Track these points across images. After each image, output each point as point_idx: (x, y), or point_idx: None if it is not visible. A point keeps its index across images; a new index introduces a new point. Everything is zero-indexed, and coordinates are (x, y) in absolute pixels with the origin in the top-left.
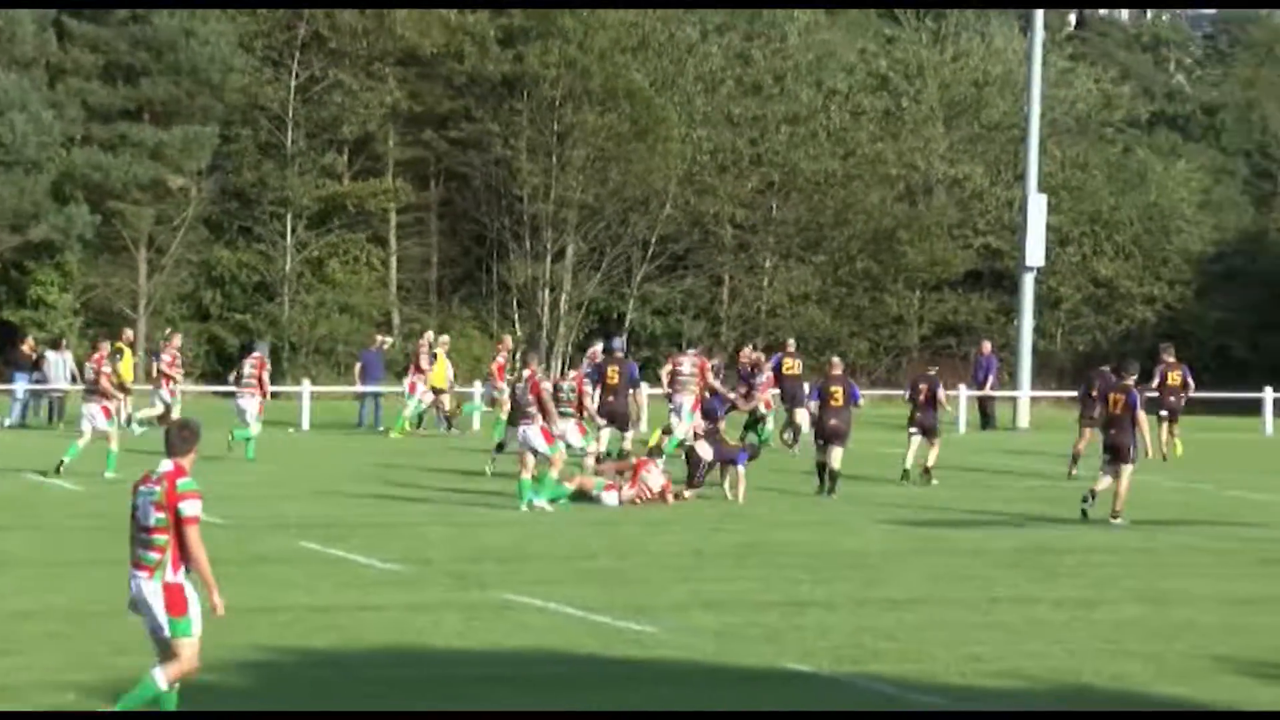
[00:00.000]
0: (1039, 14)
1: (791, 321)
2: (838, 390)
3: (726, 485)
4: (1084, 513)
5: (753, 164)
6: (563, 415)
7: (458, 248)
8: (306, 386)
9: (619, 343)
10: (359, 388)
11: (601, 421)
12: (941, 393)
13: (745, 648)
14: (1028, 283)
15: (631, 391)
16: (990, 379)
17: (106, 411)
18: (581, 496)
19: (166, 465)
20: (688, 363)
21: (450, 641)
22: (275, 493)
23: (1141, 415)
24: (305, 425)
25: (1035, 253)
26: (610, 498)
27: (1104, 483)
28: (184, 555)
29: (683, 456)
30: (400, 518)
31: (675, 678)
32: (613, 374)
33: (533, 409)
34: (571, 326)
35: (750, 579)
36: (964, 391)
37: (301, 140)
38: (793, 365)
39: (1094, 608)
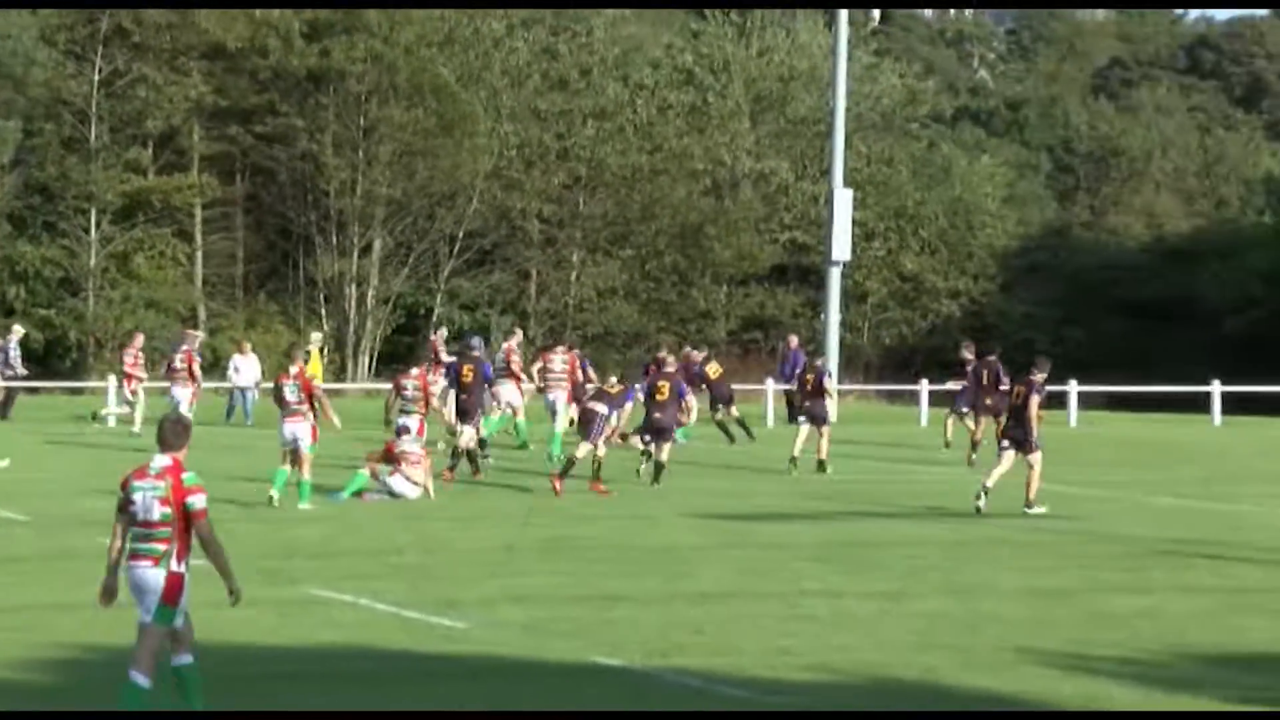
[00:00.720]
0: (843, 10)
1: (599, 316)
2: (665, 385)
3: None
4: (978, 509)
5: (559, 159)
6: (407, 413)
7: (264, 243)
8: (113, 382)
9: (477, 341)
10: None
11: (454, 421)
12: (828, 381)
13: (554, 642)
14: (834, 277)
15: (488, 388)
16: (798, 373)
17: None
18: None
19: (164, 460)
20: (559, 359)
21: (261, 638)
22: (78, 488)
23: (1034, 407)
24: (111, 421)
25: (841, 247)
26: (402, 485)
27: (996, 475)
28: (186, 547)
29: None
30: (216, 513)
31: (485, 673)
32: (467, 372)
33: (303, 406)
34: (379, 321)
35: (559, 573)
36: (771, 386)
37: (106, 135)
38: (719, 369)
39: (902, 600)
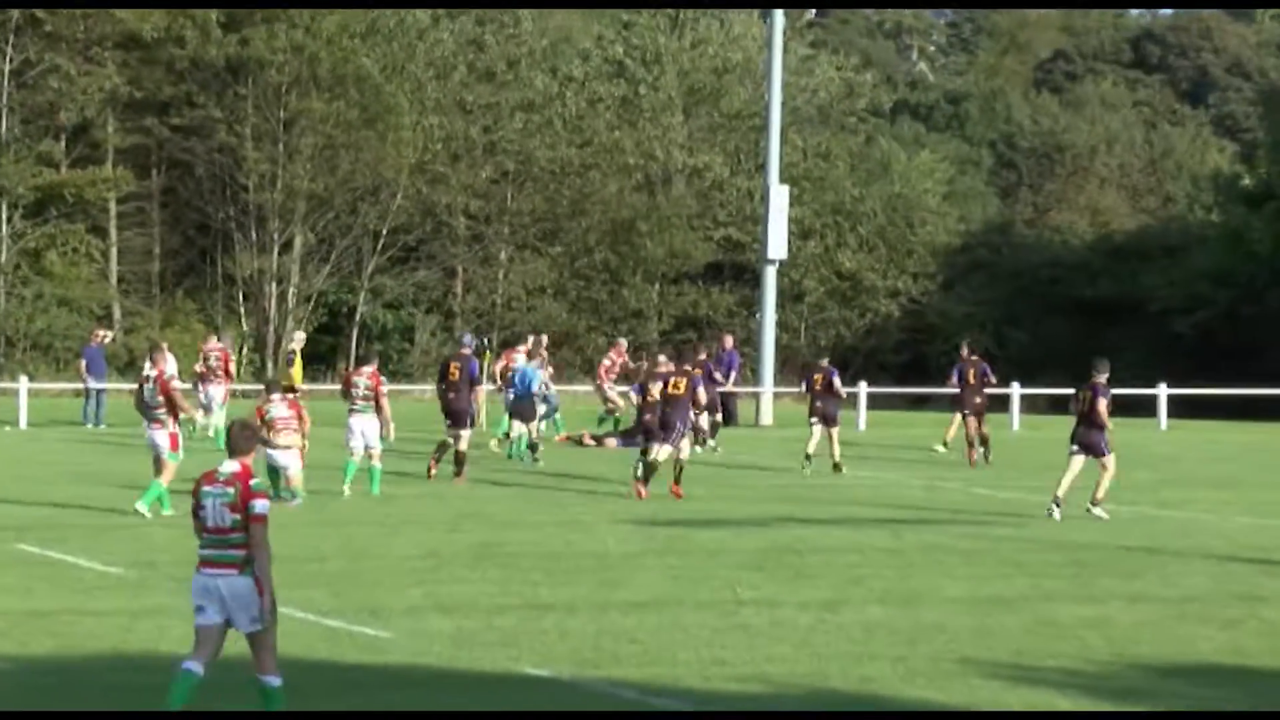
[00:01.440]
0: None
1: (527, 315)
2: (681, 383)
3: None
4: (1052, 512)
5: (486, 152)
6: (357, 412)
7: (181, 238)
8: (24, 383)
9: (469, 339)
10: (84, 384)
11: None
12: (838, 381)
13: (482, 652)
14: (769, 275)
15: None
16: (733, 374)
17: None
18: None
19: (233, 465)
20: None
21: (176, 648)
22: None
23: (1104, 409)
24: (23, 423)
25: (777, 245)
26: (280, 456)
27: (1066, 483)
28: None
29: None
30: (122, 519)
31: (409, 683)
32: (454, 370)
33: (161, 411)
34: (300, 320)
35: (487, 581)
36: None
37: (17, 127)
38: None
39: (840, 609)
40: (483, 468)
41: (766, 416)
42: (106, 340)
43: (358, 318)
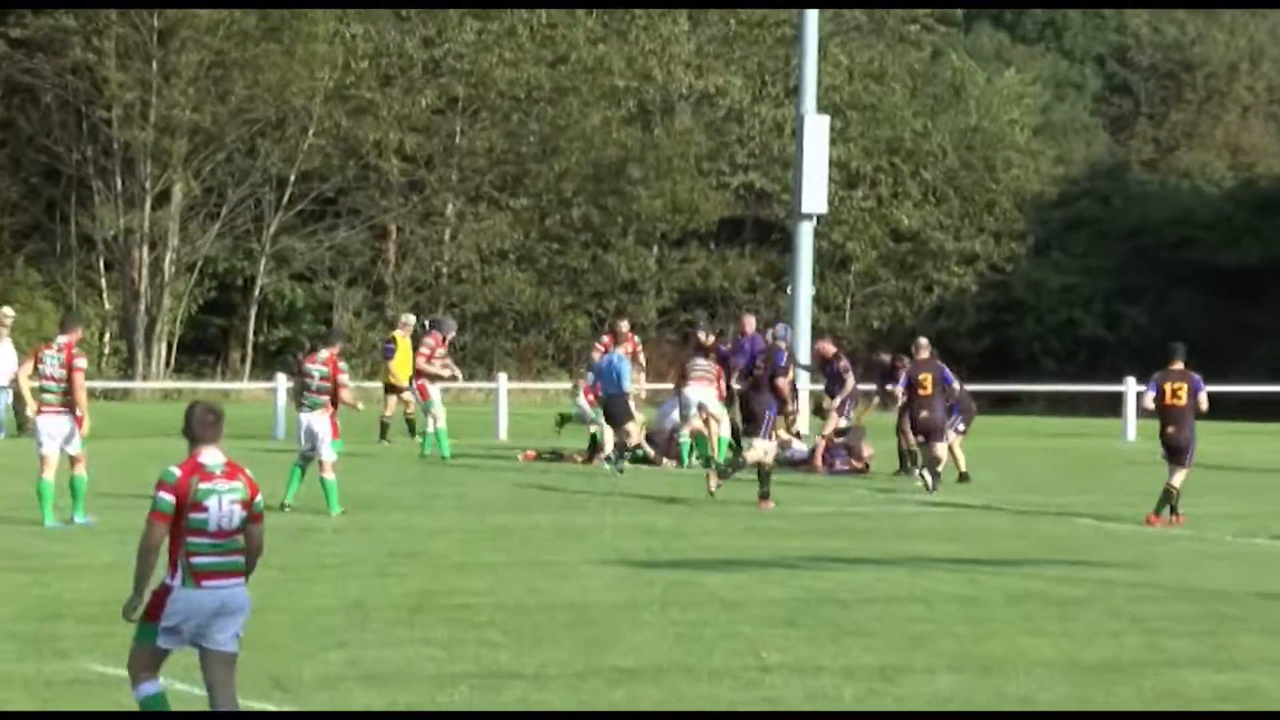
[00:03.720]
0: None
1: (482, 290)
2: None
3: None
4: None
5: (428, 73)
6: (307, 407)
7: (22, 188)
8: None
9: (451, 323)
10: None
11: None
12: (955, 382)
13: None
14: (804, 236)
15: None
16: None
17: None
18: None
19: (218, 456)
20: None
21: None
22: None
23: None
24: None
25: (814, 195)
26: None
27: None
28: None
29: None
30: None
31: None
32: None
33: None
34: (180, 295)
35: (429, 643)
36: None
37: None
38: None
39: (898, 679)
40: (422, 486)
41: (802, 422)
42: None
43: (257, 292)
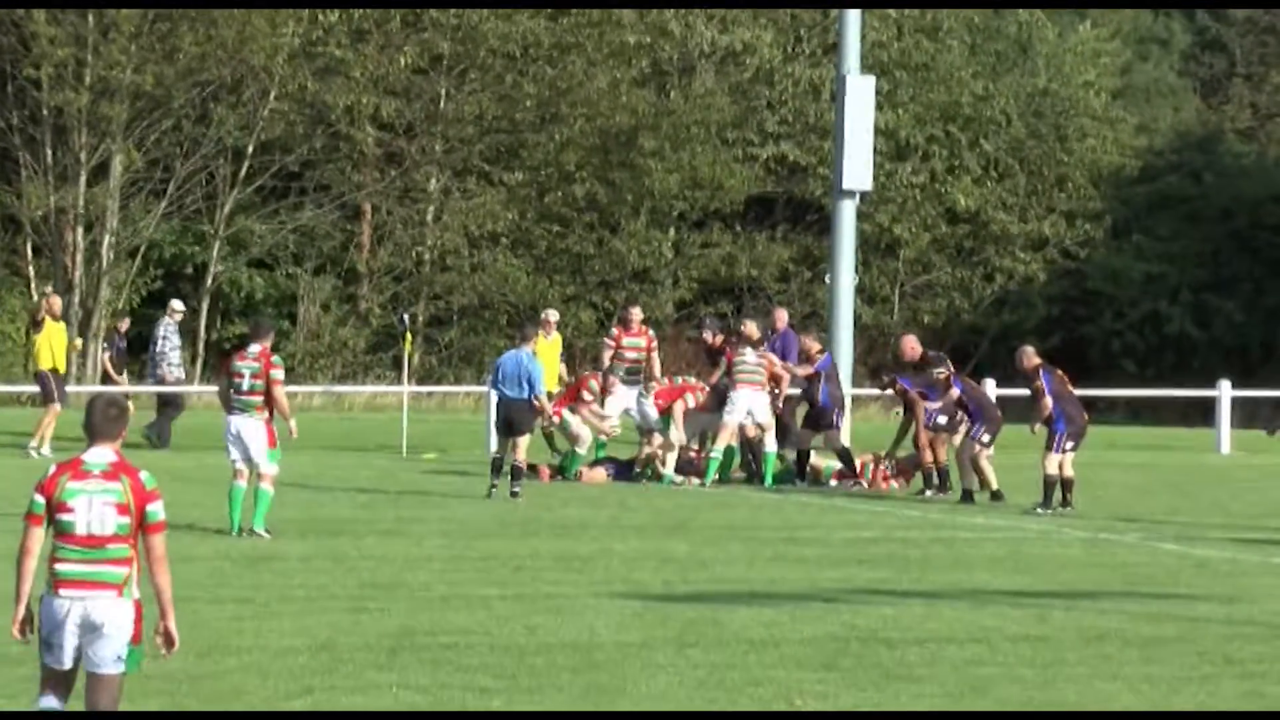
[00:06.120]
0: None
1: (472, 278)
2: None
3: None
4: None
5: (408, 26)
6: (238, 410)
7: None
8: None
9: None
10: None
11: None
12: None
13: None
14: (846, 216)
15: None
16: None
17: None
18: None
19: (107, 454)
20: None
21: None
22: None
23: None
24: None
25: (857, 170)
26: None
27: None
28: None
29: None
30: None
31: None
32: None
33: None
34: (120, 285)
35: (409, 688)
36: None
37: None
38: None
39: None
40: (401, 508)
41: (844, 432)
42: None
43: (210, 282)
